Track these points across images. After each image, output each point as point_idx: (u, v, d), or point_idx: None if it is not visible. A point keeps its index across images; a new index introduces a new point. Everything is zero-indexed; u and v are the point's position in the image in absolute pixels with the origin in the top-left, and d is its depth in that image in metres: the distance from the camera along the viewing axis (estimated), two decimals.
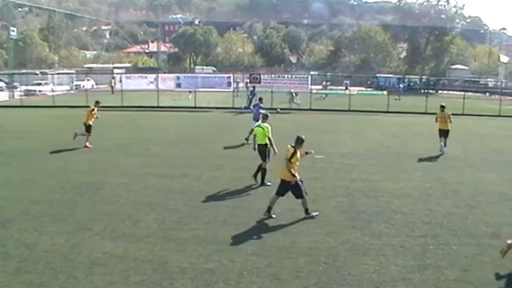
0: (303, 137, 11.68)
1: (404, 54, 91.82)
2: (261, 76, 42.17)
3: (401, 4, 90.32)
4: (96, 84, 61.49)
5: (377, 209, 12.30)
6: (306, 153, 12.21)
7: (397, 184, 13.72)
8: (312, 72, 71.73)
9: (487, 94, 68.55)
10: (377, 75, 76.90)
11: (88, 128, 20.81)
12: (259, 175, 14.67)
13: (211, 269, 8.75)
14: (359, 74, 77.45)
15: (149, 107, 38.32)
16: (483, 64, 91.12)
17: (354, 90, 52.95)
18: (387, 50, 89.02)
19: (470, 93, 57.42)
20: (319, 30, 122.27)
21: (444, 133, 20.73)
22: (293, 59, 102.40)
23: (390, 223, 11.45)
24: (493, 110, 40.75)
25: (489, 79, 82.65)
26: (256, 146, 14.76)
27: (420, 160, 19.01)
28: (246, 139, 21.38)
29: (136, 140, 22.79)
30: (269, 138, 14.38)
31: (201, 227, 10.95)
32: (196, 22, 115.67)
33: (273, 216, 11.61)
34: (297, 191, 11.50)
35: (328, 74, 76.42)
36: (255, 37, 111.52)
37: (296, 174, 11.41)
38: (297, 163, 11.61)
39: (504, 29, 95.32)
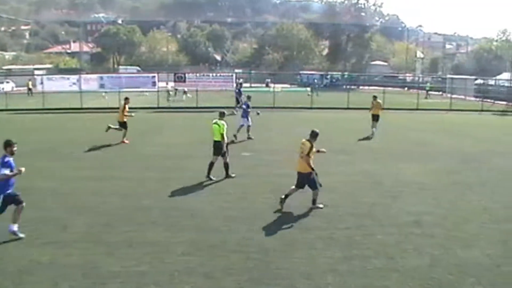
0: (318, 131, 12.38)
1: (326, 51, 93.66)
2: (186, 75, 42.06)
3: (323, 2, 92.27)
4: (16, 86, 59.33)
5: (306, 203, 12.44)
6: (318, 151, 12.57)
7: (325, 178, 14.22)
8: (236, 70, 72.16)
9: (406, 88, 71.21)
10: (301, 72, 78.00)
11: (123, 125, 21.96)
12: (218, 172, 15.20)
13: (143, 271, 8.68)
14: (282, 72, 78.46)
15: (72, 109, 37.16)
16: (402, 60, 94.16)
17: (278, 87, 53.61)
18: (310, 47, 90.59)
19: (389, 88, 59.36)
20: (243, 28, 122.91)
21: (375, 118, 24.70)
22: (218, 58, 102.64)
23: (319, 216, 11.71)
24: (411, 103, 42.41)
25: (407, 74, 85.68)
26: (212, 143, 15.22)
27: (346, 154, 19.47)
28: (234, 135, 22.14)
29: (61, 143, 22.13)
30: (222, 135, 14.89)
31: (132, 229, 10.78)
32: (119, 21, 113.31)
33: (320, 206, 12.31)
34: (312, 183, 12.12)
35: (253, 72, 76.98)
36: (179, 36, 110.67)
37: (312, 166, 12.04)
38: (312, 156, 12.14)
39: (420, 26, 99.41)
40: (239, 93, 35.42)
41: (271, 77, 61.32)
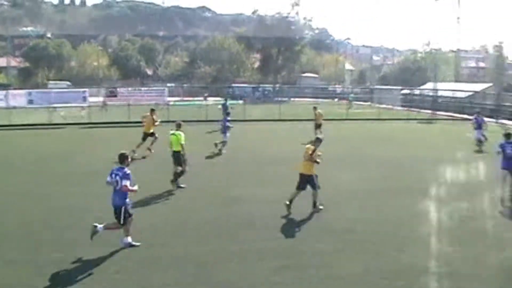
0: (321, 137, 14.25)
1: (257, 64, 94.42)
2: (118, 89, 41.69)
3: (254, 16, 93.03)
4: None
5: (244, 216, 12.66)
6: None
7: (263, 190, 14.42)
8: (168, 84, 71.89)
9: (336, 99, 72.83)
10: (233, 85, 78.31)
11: (151, 134, 22.79)
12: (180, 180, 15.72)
13: None
14: (215, 85, 78.59)
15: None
16: (331, 71, 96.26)
17: (210, 100, 53.84)
18: (241, 60, 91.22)
19: (320, 99, 60.54)
20: (175, 42, 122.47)
21: (318, 126, 28.24)
22: (150, 72, 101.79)
23: (255, 228, 11.81)
24: (341, 114, 43.45)
25: (336, 86, 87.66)
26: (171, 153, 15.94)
27: (282, 164, 19.58)
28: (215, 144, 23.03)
29: None
30: (181, 145, 15.66)
31: (60, 249, 10.44)
32: (48, 35, 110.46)
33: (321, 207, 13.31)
34: (313, 183, 13.27)
35: (185, 85, 76.88)
36: (110, 50, 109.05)
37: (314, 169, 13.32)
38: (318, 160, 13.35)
39: (348, 39, 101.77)
40: (224, 106, 35.37)
41: (207, 91, 61.34)
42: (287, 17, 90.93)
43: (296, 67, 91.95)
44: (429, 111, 51.07)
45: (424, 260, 9.95)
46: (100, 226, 10.49)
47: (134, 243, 10.58)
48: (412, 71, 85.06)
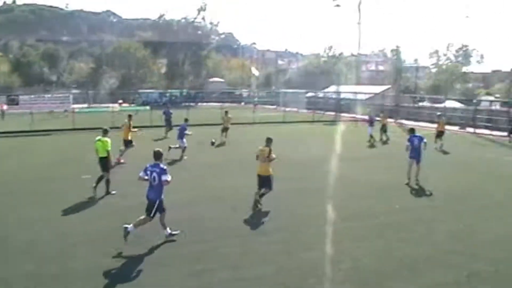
0: (271, 137, 14.69)
1: (164, 69, 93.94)
2: (19, 97, 40.47)
3: (160, 21, 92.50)
4: None
5: (150, 222, 12.81)
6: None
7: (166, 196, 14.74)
8: (73, 91, 70.35)
9: (242, 103, 73.94)
10: (139, 91, 77.56)
11: (129, 142, 22.76)
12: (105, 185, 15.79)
13: None
14: (121, 91, 77.49)
15: None
16: (237, 76, 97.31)
17: (116, 106, 53.31)
18: (147, 66, 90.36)
19: (227, 104, 61.28)
20: (79, 47, 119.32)
21: (226, 129, 30.05)
22: (53, 78, 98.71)
23: (163, 234, 11.66)
24: (248, 118, 44.25)
25: (243, 90, 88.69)
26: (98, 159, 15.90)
27: (186, 170, 20.07)
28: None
29: None
30: (108, 151, 15.75)
31: None
32: None
33: (260, 205, 14.03)
34: (270, 184, 14.24)
35: (90, 91, 75.42)
36: (11, 56, 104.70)
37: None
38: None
39: (254, 44, 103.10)
40: (167, 114, 34.83)
41: (114, 97, 60.47)
42: (193, 22, 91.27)
43: (203, 72, 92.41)
44: (333, 113, 53.10)
45: (333, 257, 10.46)
46: (130, 226, 11.08)
47: (173, 232, 11.61)
48: (316, 75, 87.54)
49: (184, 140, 23.65)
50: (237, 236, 11.93)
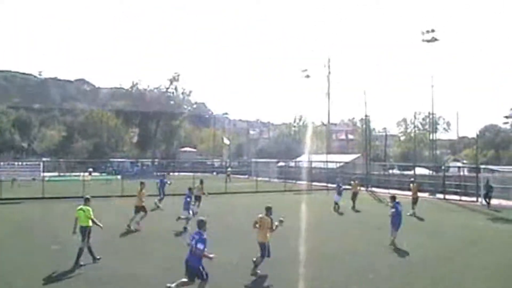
0: (270, 206, 14.91)
1: (136, 138, 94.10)
2: None
3: (133, 90, 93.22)
4: None
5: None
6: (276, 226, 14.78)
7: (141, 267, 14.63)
8: (44, 159, 69.77)
9: (214, 173, 74.14)
10: (111, 159, 77.28)
11: (142, 208, 23.33)
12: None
13: None
14: (92, 160, 77.12)
15: None
16: (209, 146, 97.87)
17: (88, 176, 52.99)
18: (119, 134, 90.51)
19: (199, 173, 61.30)
20: (51, 115, 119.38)
21: (198, 198, 28.45)
22: (24, 145, 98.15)
23: None
24: (220, 187, 44.37)
25: (215, 160, 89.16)
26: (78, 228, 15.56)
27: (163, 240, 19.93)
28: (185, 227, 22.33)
29: None
30: (92, 220, 15.72)
31: None
32: None
33: (258, 271, 14.35)
34: (267, 251, 14.39)
35: (61, 160, 74.95)
36: None
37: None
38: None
39: (226, 113, 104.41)
40: (161, 182, 34.85)
41: (85, 166, 60.09)
42: (166, 91, 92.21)
43: (175, 142, 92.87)
44: (304, 182, 53.58)
45: None
46: (172, 286, 11.50)
47: None
48: (287, 144, 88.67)
49: (191, 210, 23.56)
50: None
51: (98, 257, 15.80)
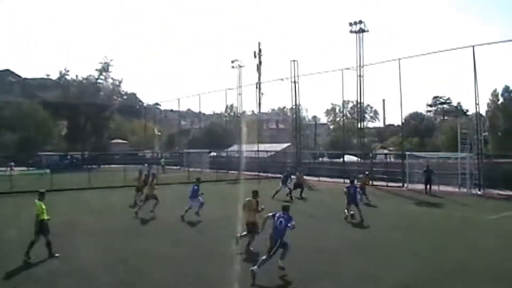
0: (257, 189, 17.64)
1: (65, 131, 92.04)
2: None
3: (61, 81, 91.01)
4: None
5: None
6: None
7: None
8: None
9: (146, 165, 73.84)
10: (39, 153, 75.38)
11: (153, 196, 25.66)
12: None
13: None
14: (20, 153, 75.14)
15: None
16: (141, 137, 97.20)
17: (16, 170, 52.08)
18: (48, 128, 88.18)
19: (130, 165, 61.00)
20: None
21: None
22: None
23: None
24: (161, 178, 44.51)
25: (146, 151, 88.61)
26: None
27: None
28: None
29: None
30: (37, 214, 15.96)
31: None
32: None
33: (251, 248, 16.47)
34: (256, 230, 16.39)
35: None
36: None
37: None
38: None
39: (157, 104, 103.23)
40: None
41: (12, 160, 58.61)
42: (95, 82, 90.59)
43: (105, 134, 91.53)
44: (236, 172, 54.50)
45: None
46: (255, 267, 13.09)
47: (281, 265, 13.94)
48: (219, 134, 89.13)
49: (200, 198, 24.81)
50: None
51: (56, 254, 16.04)
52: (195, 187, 25.10)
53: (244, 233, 16.98)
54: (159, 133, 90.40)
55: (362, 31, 48.26)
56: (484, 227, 20.40)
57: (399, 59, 43.36)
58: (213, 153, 73.12)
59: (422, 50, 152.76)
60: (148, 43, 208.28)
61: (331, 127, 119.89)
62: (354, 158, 55.42)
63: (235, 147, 70.84)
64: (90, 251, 16.97)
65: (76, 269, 14.64)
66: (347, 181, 27.15)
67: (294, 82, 54.95)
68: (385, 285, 12.96)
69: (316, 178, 46.49)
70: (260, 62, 63.79)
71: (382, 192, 36.66)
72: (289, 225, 14.00)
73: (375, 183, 42.53)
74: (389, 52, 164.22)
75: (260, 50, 64.09)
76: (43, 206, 16.16)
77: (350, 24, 48.54)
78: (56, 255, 15.96)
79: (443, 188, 37.56)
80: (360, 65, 48.01)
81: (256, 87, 64.25)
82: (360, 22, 48.20)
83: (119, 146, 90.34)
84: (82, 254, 16.59)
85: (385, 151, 77.01)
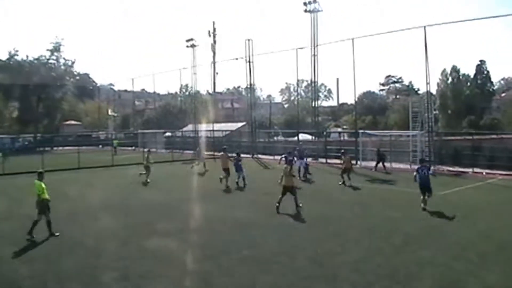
0: (287, 155, 24.11)
1: (16, 113, 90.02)
2: None
3: (11, 62, 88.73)
4: None
5: None
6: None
7: None
8: None
9: (100, 146, 73.35)
10: None
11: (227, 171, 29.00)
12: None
13: None
14: None
15: None
16: (94, 118, 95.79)
17: None
18: None
19: (84, 147, 60.41)
20: None
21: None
22: None
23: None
24: (107, 161, 44.37)
25: (100, 132, 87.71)
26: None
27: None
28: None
29: None
30: (39, 194, 16.43)
31: None
32: None
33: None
34: (294, 191, 20.47)
35: None
36: None
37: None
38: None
39: (111, 84, 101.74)
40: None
41: None
42: (47, 63, 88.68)
43: (58, 115, 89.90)
44: (191, 152, 54.75)
45: None
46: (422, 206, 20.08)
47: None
48: (174, 114, 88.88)
49: (244, 169, 29.05)
50: (99, 284, 12.20)
51: (57, 233, 16.44)
52: (239, 162, 29.09)
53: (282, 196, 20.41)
54: (114, 114, 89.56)
55: (316, 10, 48.55)
56: (436, 202, 21.29)
57: (352, 38, 43.98)
58: (168, 133, 73.04)
59: (376, 30, 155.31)
60: (100, 22, 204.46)
61: (286, 106, 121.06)
62: (309, 137, 56.22)
63: (190, 127, 70.86)
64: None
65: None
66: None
67: (249, 61, 55.13)
68: (339, 260, 13.33)
69: (272, 157, 47.05)
70: (214, 41, 63.58)
71: (336, 170, 37.34)
72: (430, 172, 21.03)
73: (329, 161, 43.34)
74: (343, 31, 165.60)
75: (214, 29, 63.80)
76: (43, 186, 16.54)
77: (305, 4, 48.70)
78: (56, 234, 16.36)
79: (395, 165, 38.55)
80: (314, 45, 48.38)
81: (211, 67, 64.09)
82: (315, 1, 48.42)
83: (73, 128, 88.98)
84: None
85: (339, 130, 78.13)
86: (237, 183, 28.66)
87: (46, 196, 16.50)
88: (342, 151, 33.65)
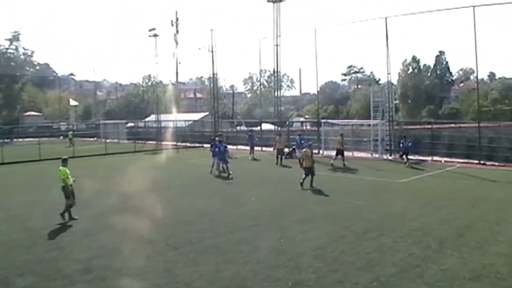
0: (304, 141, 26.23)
1: None
2: None
3: None
4: None
5: None
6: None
7: None
8: None
9: (61, 137, 72.44)
10: None
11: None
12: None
13: None
14: None
15: None
16: (55, 109, 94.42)
17: None
18: None
19: (45, 138, 59.34)
20: None
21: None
22: None
23: None
24: (68, 152, 43.83)
25: (61, 123, 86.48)
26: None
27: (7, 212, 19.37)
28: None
29: None
30: (64, 179, 16.89)
31: None
32: None
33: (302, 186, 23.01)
34: (313, 172, 23.16)
35: None
36: None
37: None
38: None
39: (72, 74, 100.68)
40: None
41: None
42: (5, 52, 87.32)
43: (18, 106, 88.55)
44: (154, 142, 54.74)
45: (166, 284, 11.48)
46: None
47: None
48: (136, 104, 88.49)
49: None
50: (64, 277, 11.95)
51: (76, 216, 16.98)
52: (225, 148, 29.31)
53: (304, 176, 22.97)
54: (75, 104, 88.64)
55: (279, 0, 48.61)
56: (396, 190, 21.73)
57: (315, 29, 44.27)
58: (130, 124, 72.71)
59: (338, 21, 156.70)
60: (60, 11, 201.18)
61: (249, 95, 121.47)
62: (272, 126, 56.49)
63: (152, 117, 70.70)
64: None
65: None
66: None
67: (212, 51, 55.24)
68: (302, 248, 13.45)
69: (235, 147, 47.23)
70: (177, 31, 63.45)
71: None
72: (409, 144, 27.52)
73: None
74: (306, 22, 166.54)
75: (177, 19, 63.63)
76: (68, 171, 17.06)
77: None
78: (75, 217, 16.88)
79: (356, 154, 39.02)
80: (277, 35, 48.55)
81: (174, 56, 64.07)
82: None
83: (33, 119, 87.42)
84: None
85: (302, 119, 78.93)
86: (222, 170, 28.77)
87: (71, 181, 17.06)
88: (341, 133, 35.01)
